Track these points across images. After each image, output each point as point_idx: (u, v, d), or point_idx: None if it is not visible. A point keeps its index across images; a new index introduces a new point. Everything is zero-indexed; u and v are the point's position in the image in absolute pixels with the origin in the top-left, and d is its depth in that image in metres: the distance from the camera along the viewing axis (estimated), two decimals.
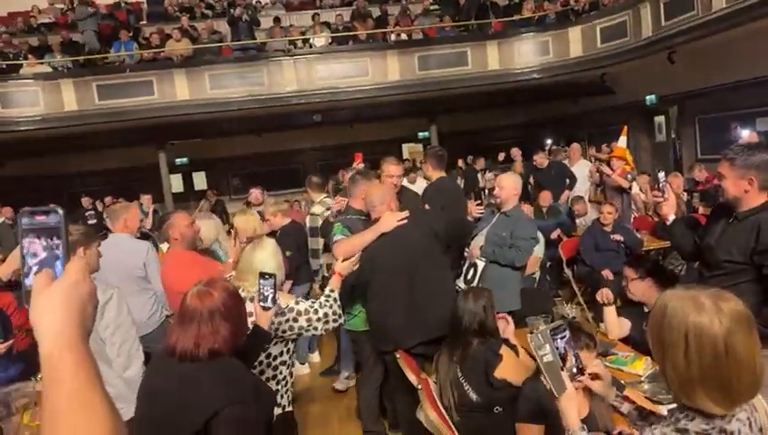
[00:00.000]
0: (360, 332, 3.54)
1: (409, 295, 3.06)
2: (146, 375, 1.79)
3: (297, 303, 2.45)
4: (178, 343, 1.72)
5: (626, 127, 7.07)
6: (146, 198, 7.94)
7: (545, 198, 6.84)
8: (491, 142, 13.65)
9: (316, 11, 13.48)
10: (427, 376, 2.82)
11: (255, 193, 6.68)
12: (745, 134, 7.51)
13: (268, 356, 2.35)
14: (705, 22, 8.27)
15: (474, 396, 2.47)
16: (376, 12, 13.37)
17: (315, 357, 5.35)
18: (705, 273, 2.49)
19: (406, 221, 3.09)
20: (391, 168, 3.90)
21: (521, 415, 2.08)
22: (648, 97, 11.81)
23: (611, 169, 6.67)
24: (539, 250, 5.11)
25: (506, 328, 2.77)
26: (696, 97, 10.53)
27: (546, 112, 14.39)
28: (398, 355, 3.00)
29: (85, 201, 9.75)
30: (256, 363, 2.29)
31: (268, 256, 2.44)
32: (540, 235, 5.12)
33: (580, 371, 1.57)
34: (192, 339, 1.71)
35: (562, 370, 1.46)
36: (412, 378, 2.77)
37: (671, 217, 2.66)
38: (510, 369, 2.51)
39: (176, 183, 13.76)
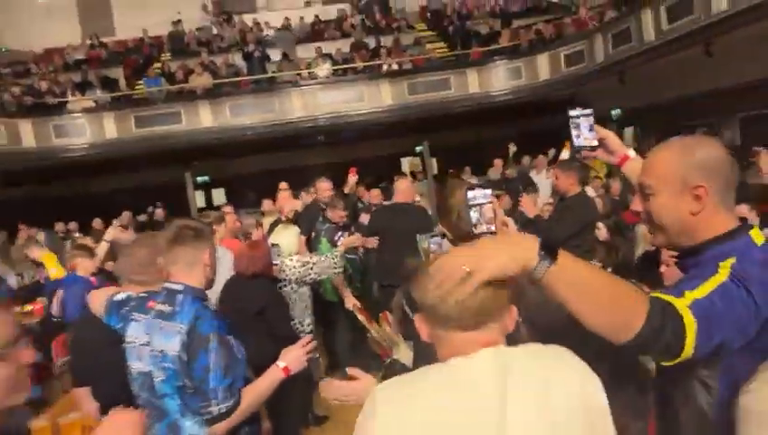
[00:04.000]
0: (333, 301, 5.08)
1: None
2: (225, 286, 3.43)
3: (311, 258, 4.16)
4: (239, 268, 3.38)
5: (567, 142, 8.63)
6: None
7: (504, 202, 8.42)
8: (478, 155, 15.23)
9: (319, 44, 15.23)
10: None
11: (267, 203, 8.38)
12: None
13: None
14: (642, 51, 9.89)
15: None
16: (372, 42, 15.13)
17: None
18: None
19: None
20: (323, 185, 5.62)
21: None
22: (613, 112, 13.43)
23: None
24: None
25: None
26: (652, 111, 12.11)
27: (526, 127, 15.95)
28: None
29: (125, 216, 11.24)
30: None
31: (291, 235, 4.14)
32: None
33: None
34: (245, 266, 3.36)
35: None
36: (361, 318, 4.40)
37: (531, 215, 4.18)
38: None
39: (198, 199, 15.47)
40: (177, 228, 2.06)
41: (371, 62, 13.43)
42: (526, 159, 10.54)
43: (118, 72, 15.21)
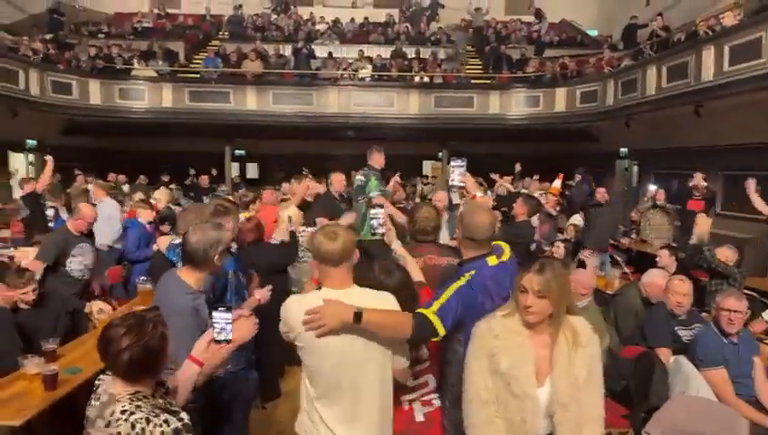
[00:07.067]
0: None
1: None
2: (247, 249, 4.81)
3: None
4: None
5: (561, 175, 9.77)
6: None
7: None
8: (491, 168, 16.35)
9: (363, 46, 16.54)
10: None
11: (285, 187, 9.75)
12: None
13: None
14: (644, 102, 10.94)
15: None
16: (411, 52, 16.35)
17: None
18: None
19: None
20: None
21: None
22: (621, 150, 14.46)
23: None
24: None
25: None
26: (651, 155, 13.12)
27: (540, 151, 17.00)
28: None
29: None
30: None
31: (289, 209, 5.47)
32: None
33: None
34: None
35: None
36: None
37: None
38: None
39: (233, 169, 16.96)
40: (216, 205, 3.43)
41: (405, 73, 14.68)
42: (527, 181, 11.68)
43: (178, 46, 16.77)
